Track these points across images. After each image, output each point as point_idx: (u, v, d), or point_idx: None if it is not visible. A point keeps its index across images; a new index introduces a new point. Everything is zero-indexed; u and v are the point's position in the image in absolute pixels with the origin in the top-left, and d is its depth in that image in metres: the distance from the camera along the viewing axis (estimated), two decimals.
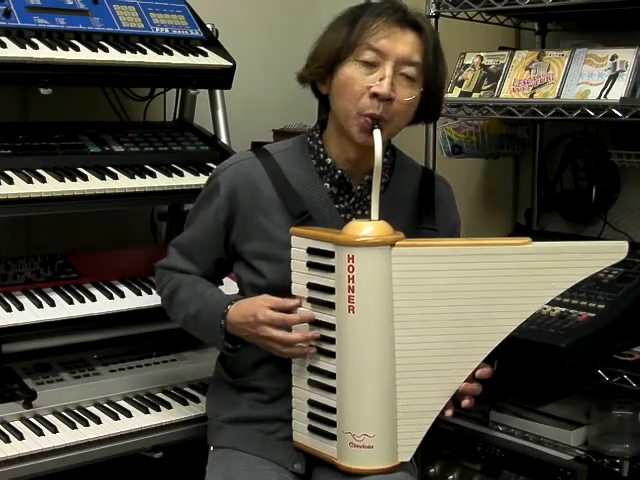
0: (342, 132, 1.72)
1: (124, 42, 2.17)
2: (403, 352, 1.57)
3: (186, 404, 2.02)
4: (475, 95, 2.38)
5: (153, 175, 2.13)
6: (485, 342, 1.56)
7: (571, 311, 2.17)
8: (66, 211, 2.02)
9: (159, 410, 1.98)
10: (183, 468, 2.07)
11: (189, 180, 2.15)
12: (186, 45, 2.27)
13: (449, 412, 1.61)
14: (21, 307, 1.96)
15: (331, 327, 1.60)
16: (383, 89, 1.63)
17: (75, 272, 2.17)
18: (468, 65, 2.44)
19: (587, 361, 2.10)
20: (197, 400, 2.04)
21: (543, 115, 2.24)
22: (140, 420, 1.93)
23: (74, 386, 2.03)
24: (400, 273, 1.55)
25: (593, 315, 2.13)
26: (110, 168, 2.11)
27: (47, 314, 1.97)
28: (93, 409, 1.96)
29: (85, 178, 2.03)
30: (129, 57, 2.10)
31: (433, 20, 2.44)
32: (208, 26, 2.36)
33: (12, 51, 1.95)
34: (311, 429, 1.67)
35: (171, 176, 2.15)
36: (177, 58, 2.18)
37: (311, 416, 1.67)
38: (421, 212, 1.81)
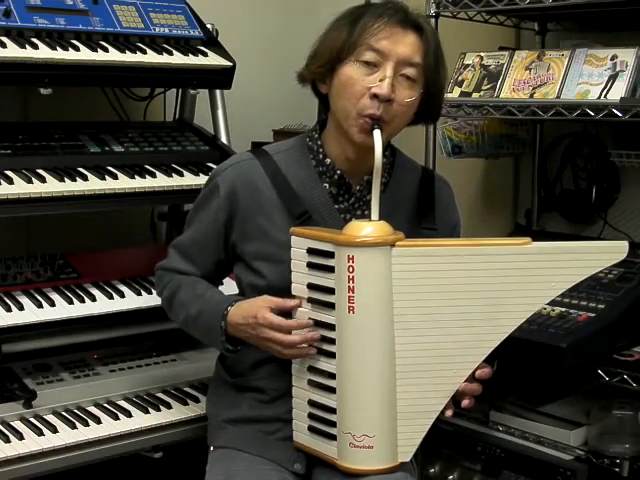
0: (341, 132, 1.72)
1: (124, 42, 2.17)
2: (403, 352, 1.57)
3: (186, 404, 2.02)
4: (475, 95, 2.38)
5: (153, 175, 2.13)
6: (485, 342, 1.56)
7: (571, 311, 2.17)
8: (66, 211, 2.02)
9: (159, 410, 1.98)
10: (183, 468, 2.07)
11: (189, 180, 2.15)
12: (186, 45, 2.27)
13: (449, 412, 1.61)
14: (21, 307, 1.96)
15: (331, 327, 1.60)
16: (383, 90, 1.63)
17: (75, 272, 2.17)
18: (468, 65, 2.44)
19: (587, 361, 2.10)
20: (197, 400, 2.04)
21: (543, 115, 2.24)
22: (140, 420, 1.93)
23: (74, 386, 2.03)
24: (400, 273, 1.55)
25: (593, 315, 2.13)
26: (110, 168, 2.11)
27: (47, 314, 1.97)
28: (93, 409, 1.96)
29: (85, 178, 2.03)
30: (129, 57, 2.10)
31: (433, 20, 2.43)
32: (208, 26, 2.36)
33: (12, 51, 1.94)
34: (311, 429, 1.67)
35: (171, 176, 2.15)
36: (177, 58, 2.18)
37: (311, 416, 1.67)
38: (421, 212, 1.81)
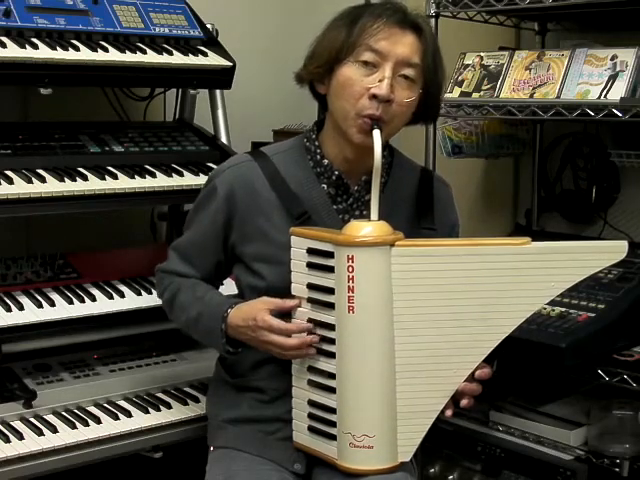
0: (340, 133, 1.72)
1: (124, 42, 2.17)
2: (403, 352, 1.57)
3: (186, 404, 2.02)
4: (475, 95, 2.38)
5: (153, 175, 2.13)
6: (485, 342, 1.56)
7: (571, 311, 2.17)
8: (66, 211, 2.02)
9: (159, 410, 1.98)
10: (183, 468, 2.07)
11: (189, 180, 2.15)
12: (186, 45, 2.27)
13: (449, 412, 1.61)
14: (21, 307, 1.96)
15: (331, 327, 1.60)
16: (382, 90, 1.63)
17: (75, 272, 2.17)
18: (468, 65, 2.44)
19: (587, 361, 2.10)
20: (197, 400, 2.04)
21: (543, 115, 2.24)
22: (140, 420, 1.93)
23: (74, 386, 2.03)
24: (400, 273, 1.55)
25: (593, 315, 2.13)
26: (110, 168, 2.11)
27: (47, 314, 1.97)
28: (93, 409, 1.96)
29: (85, 178, 2.03)
30: (129, 57, 2.10)
31: (433, 20, 2.43)
32: (208, 26, 2.36)
33: (12, 51, 1.94)
34: (311, 429, 1.67)
35: (171, 176, 2.15)
36: (177, 58, 2.18)
37: (311, 416, 1.67)
38: (420, 212, 1.81)
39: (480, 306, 1.55)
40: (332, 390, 1.62)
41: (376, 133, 1.61)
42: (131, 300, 2.10)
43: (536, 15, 2.68)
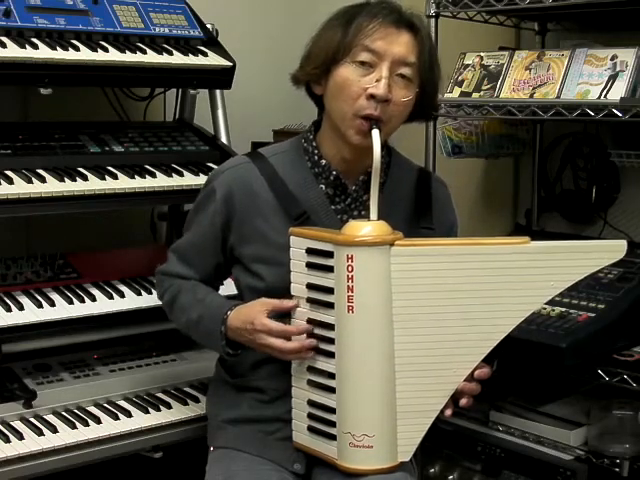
0: (338, 133, 1.72)
1: (124, 42, 2.17)
2: (402, 352, 1.57)
3: (186, 404, 2.02)
4: (475, 95, 2.38)
5: (153, 175, 2.13)
6: (484, 341, 1.56)
7: (571, 311, 2.17)
8: (66, 211, 2.02)
9: (159, 410, 1.98)
10: (183, 468, 2.07)
11: (189, 180, 2.15)
12: (186, 45, 2.27)
13: (448, 411, 1.61)
14: (21, 307, 1.96)
15: (330, 327, 1.60)
16: (380, 90, 1.63)
17: (75, 272, 2.17)
18: (468, 65, 2.44)
19: (587, 361, 2.10)
20: (197, 400, 2.04)
21: (543, 115, 2.24)
22: (140, 420, 1.93)
23: (74, 386, 2.03)
24: (399, 273, 1.55)
25: (593, 315, 2.13)
26: (110, 168, 2.11)
27: (47, 314, 1.97)
28: (93, 409, 1.96)
29: (85, 178, 2.03)
30: (129, 57, 2.10)
31: (433, 20, 2.43)
32: (208, 26, 2.36)
33: (12, 51, 1.95)
34: (311, 429, 1.67)
35: (171, 176, 2.15)
36: (177, 58, 2.18)
37: (311, 416, 1.67)
38: (418, 211, 1.81)
39: (479, 305, 1.55)
40: (332, 390, 1.62)
41: (375, 133, 1.61)
42: (131, 300, 2.10)
43: (536, 15, 2.68)
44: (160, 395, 2.07)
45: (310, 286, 1.63)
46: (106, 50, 2.09)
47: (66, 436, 1.82)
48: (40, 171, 2.01)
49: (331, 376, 1.62)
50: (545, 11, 2.52)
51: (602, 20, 2.53)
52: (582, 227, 2.77)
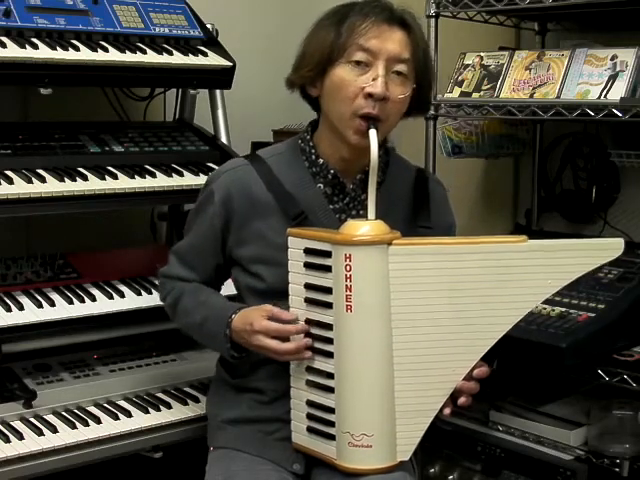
0: (336, 133, 1.72)
1: (124, 42, 2.17)
2: (401, 351, 1.57)
3: (186, 404, 2.02)
4: (475, 95, 2.38)
5: (153, 175, 2.13)
6: (482, 340, 1.56)
7: (571, 311, 2.17)
8: (66, 211, 2.03)
9: (159, 410, 1.98)
10: (183, 468, 2.07)
11: (189, 180, 2.15)
12: (186, 45, 2.27)
13: (447, 411, 1.61)
14: (21, 307, 1.96)
15: (329, 327, 1.60)
16: (377, 89, 1.64)
17: (75, 272, 2.17)
18: (468, 65, 2.43)
19: (587, 361, 2.10)
20: (197, 400, 2.04)
21: (543, 115, 2.24)
22: (140, 420, 1.93)
23: (74, 386, 2.03)
24: (397, 272, 1.55)
25: (593, 315, 2.13)
26: (110, 168, 2.11)
27: (47, 314, 1.97)
28: (93, 409, 1.97)
29: (85, 178, 2.03)
30: (129, 57, 2.10)
31: (433, 20, 2.43)
32: (208, 26, 2.36)
33: (12, 51, 1.95)
34: (310, 430, 1.67)
35: (171, 176, 2.15)
36: (177, 58, 2.19)
37: (310, 417, 1.67)
38: (416, 210, 1.81)
39: (477, 304, 1.55)
40: (330, 390, 1.62)
41: (372, 133, 1.61)
42: (131, 300, 2.10)
43: (536, 15, 2.67)
44: (160, 395, 2.07)
45: (308, 286, 1.62)
46: (106, 50, 2.09)
47: (66, 436, 1.82)
48: (40, 171, 2.02)
49: (330, 376, 1.62)
50: (545, 11, 2.52)
51: (602, 20, 2.53)
52: (582, 227, 2.76)
